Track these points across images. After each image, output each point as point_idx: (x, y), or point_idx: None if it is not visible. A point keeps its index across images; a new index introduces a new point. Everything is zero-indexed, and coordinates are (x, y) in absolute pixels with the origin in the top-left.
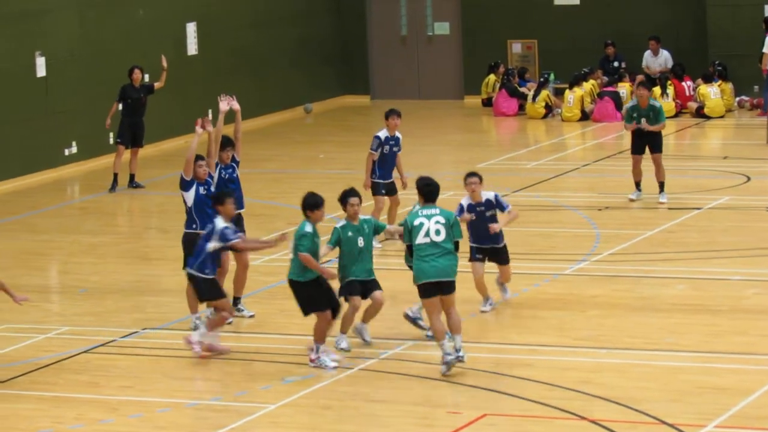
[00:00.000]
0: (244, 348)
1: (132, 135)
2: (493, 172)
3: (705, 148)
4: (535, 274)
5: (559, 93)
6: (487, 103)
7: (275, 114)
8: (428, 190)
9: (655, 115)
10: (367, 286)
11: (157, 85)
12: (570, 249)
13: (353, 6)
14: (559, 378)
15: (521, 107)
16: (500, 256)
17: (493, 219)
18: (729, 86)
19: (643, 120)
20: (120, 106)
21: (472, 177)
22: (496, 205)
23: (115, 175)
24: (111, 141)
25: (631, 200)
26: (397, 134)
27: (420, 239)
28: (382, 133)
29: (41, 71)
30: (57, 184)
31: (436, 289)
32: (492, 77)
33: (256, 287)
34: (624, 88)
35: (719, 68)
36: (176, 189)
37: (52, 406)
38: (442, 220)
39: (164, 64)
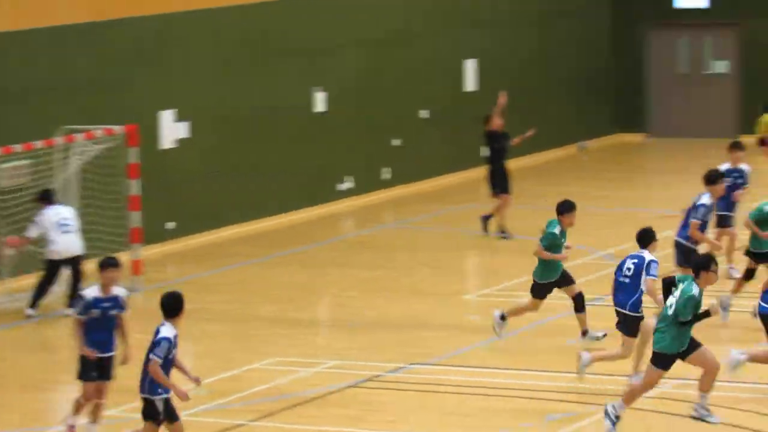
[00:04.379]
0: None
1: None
2: None
3: None
4: None
5: None
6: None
7: (549, 152)
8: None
9: None
10: None
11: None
12: None
13: (630, 43)
14: None
15: None
16: None
17: None
18: None
19: None
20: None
21: None
22: None
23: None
24: (382, 176)
25: None
26: (741, 167)
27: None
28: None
29: (321, 106)
30: (331, 219)
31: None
32: (766, 117)
33: None
34: None
35: None
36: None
37: None
38: None
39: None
